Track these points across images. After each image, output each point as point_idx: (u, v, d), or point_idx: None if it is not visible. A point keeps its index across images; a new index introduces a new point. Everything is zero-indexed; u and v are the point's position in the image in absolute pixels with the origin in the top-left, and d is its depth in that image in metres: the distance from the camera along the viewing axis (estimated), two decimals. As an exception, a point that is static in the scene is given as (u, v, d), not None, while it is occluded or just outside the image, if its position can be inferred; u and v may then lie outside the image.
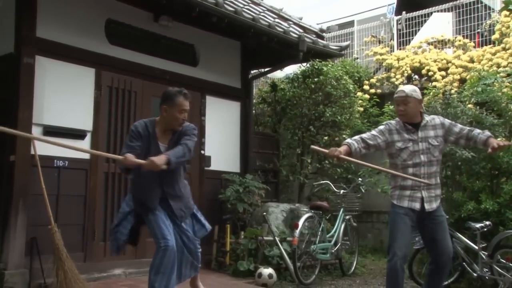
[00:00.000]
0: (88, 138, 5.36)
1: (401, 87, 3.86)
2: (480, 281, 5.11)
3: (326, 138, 7.84)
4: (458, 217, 5.36)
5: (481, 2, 9.67)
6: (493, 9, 9.70)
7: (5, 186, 4.82)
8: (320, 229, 5.85)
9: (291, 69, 8.79)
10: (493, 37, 8.81)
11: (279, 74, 9.59)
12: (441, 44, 9.61)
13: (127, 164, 3.37)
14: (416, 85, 8.84)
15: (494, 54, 8.38)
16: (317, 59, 7.40)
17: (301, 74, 7.79)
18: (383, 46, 10.47)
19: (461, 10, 9.69)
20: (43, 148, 4.70)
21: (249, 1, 7.11)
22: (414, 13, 10.36)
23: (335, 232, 6.13)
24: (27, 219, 4.72)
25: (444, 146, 3.92)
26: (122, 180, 5.57)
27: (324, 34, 8.00)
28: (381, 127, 3.83)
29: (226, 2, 5.88)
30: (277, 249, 5.80)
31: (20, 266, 4.66)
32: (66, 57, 5.21)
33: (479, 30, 9.48)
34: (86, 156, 5.30)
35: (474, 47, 9.16)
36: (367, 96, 9.10)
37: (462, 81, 8.24)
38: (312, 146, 4.01)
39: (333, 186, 6.64)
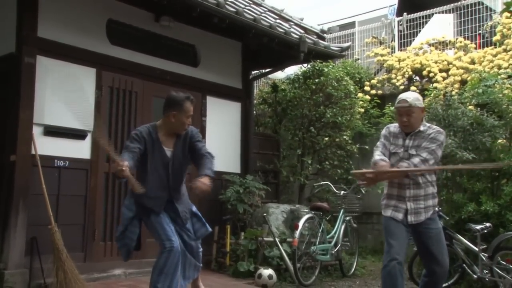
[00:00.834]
0: (88, 138, 5.35)
1: (403, 96, 3.59)
2: (480, 283, 5.09)
3: (326, 139, 7.85)
4: (459, 218, 5.37)
5: (482, 4, 9.66)
6: (494, 10, 9.68)
7: (5, 186, 4.82)
8: (320, 230, 5.84)
9: (292, 70, 8.79)
10: (494, 38, 8.81)
11: (280, 75, 9.58)
12: (442, 45, 9.60)
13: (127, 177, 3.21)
14: (417, 86, 8.88)
15: (495, 55, 8.38)
16: (318, 60, 7.38)
17: (302, 75, 7.78)
18: (384, 47, 10.47)
19: (462, 11, 9.70)
20: (43, 148, 4.70)
21: (250, 2, 7.11)
22: (415, 14, 10.38)
23: (335, 233, 6.13)
24: (27, 219, 4.72)
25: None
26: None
27: (325, 35, 7.99)
28: (384, 132, 3.72)
29: (227, 2, 5.88)
30: (277, 250, 5.79)
31: (20, 266, 4.65)
32: (67, 57, 5.20)
33: (480, 31, 9.48)
34: (87, 156, 5.30)
35: (475, 48, 9.16)
36: (368, 97, 9.11)
37: (463, 82, 8.25)
38: (352, 171, 3.79)
39: (333, 187, 6.64)
